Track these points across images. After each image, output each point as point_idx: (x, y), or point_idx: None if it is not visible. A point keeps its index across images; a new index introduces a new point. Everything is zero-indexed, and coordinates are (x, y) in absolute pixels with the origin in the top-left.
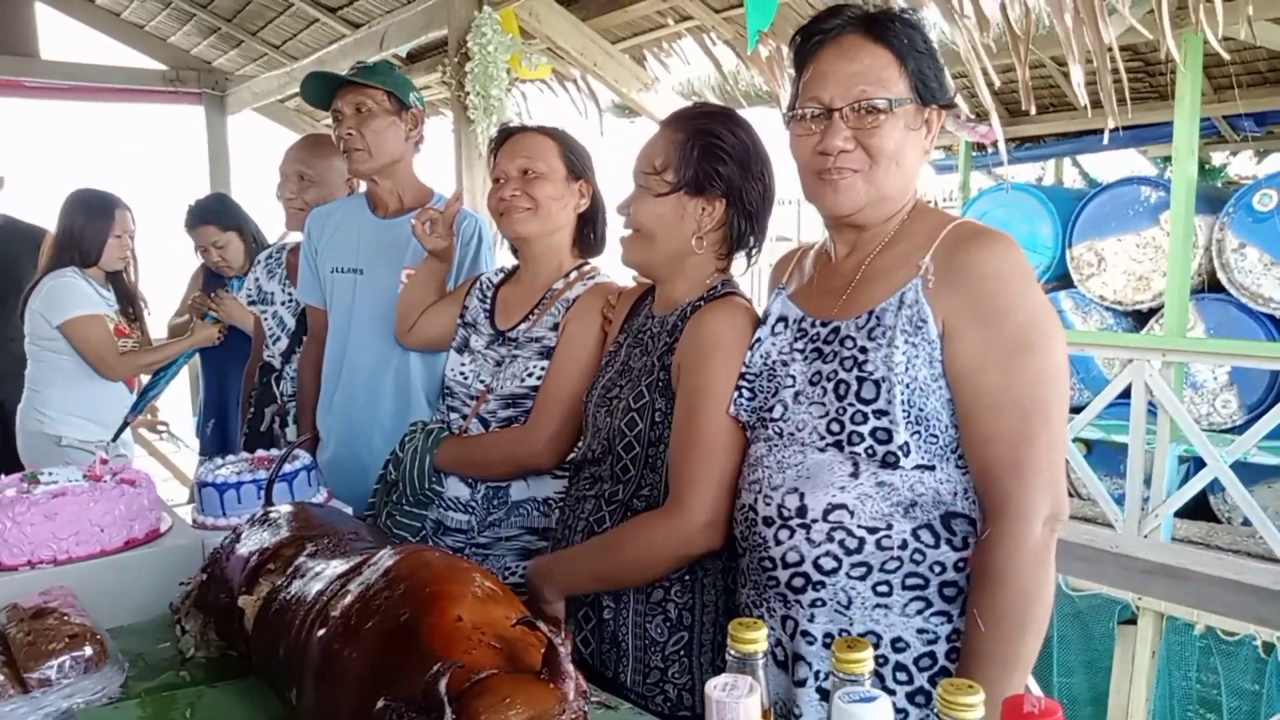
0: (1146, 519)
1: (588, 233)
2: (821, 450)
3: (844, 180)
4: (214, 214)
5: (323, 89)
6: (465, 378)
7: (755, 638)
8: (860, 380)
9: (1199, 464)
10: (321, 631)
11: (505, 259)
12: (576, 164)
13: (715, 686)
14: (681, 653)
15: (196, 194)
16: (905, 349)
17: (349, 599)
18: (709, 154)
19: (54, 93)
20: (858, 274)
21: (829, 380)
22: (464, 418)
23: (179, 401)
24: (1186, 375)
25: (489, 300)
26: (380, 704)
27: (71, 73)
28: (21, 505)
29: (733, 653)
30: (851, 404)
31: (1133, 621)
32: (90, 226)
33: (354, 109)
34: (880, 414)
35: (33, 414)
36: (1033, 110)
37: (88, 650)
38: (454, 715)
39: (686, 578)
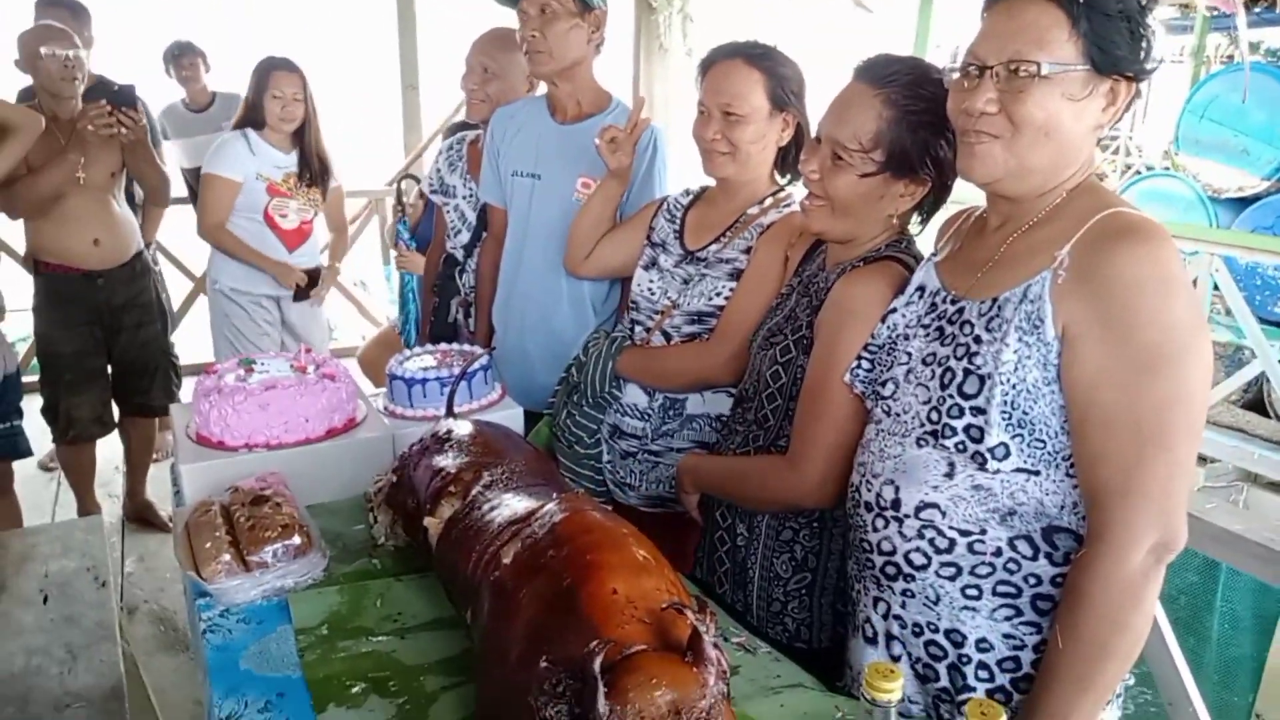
0: None
1: (790, 158)
2: (919, 444)
3: (981, 145)
4: None
5: None
6: (652, 293)
7: (892, 687)
8: (966, 373)
9: None
10: (495, 575)
11: (680, 174)
12: (781, 96)
13: None
14: (803, 591)
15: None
16: (1018, 348)
17: (519, 547)
18: (927, 136)
19: None
20: (999, 251)
21: (940, 365)
22: (647, 330)
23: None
24: None
25: (678, 221)
26: (543, 664)
27: None
28: (240, 395)
29: (866, 696)
30: (951, 395)
31: None
32: (253, 91)
33: (539, 9)
34: (977, 411)
35: (210, 262)
36: None
37: (296, 539)
38: (605, 690)
39: (815, 524)
